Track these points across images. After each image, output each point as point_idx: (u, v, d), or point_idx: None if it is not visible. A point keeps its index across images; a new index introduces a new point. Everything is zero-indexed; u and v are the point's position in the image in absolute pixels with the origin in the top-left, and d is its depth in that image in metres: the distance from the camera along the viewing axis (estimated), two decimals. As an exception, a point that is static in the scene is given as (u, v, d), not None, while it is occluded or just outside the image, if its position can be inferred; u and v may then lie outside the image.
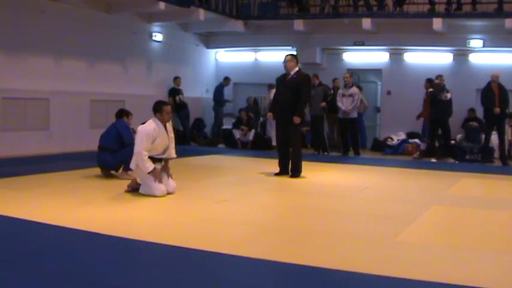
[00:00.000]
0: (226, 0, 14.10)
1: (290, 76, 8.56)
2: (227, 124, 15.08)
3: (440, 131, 11.78)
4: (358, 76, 14.46)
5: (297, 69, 8.60)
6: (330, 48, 14.91)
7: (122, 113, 8.11)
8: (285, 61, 8.67)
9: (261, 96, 15.38)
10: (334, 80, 13.32)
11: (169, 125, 6.84)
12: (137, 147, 6.49)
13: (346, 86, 12.48)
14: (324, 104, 12.47)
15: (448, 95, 11.58)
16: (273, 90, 13.84)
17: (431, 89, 11.73)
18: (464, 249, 4.62)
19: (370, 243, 4.74)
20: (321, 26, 14.32)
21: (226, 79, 15.09)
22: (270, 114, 8.89)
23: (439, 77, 11.76)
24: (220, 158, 11.82)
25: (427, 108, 11.84)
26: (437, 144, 12.08)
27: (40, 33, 10.72)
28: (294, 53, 12.05)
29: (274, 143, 12.15)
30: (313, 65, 14.04)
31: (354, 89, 12.49)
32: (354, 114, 12.50)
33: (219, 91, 15.05)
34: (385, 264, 4.09)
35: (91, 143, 11.58)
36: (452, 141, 12.11)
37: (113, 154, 7.75)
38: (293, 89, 8.44)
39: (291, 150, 8.65)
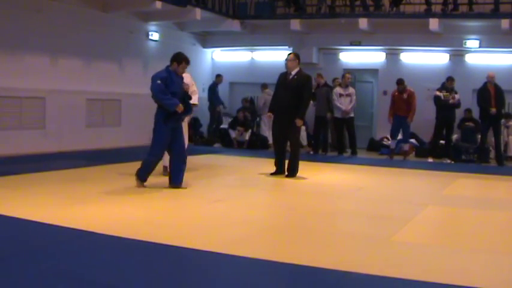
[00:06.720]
0: (222, 0, 14.09)
1: (291, 77, 8.52)
2: (223, 123, 15.04)
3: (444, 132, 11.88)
4: (354, 76, 14.44)
5: (298, 69, 8.56)
6: (326, 48, 14.90)
7: (172, 59, 7.33)
8: (287, 59, 8.64)
9: (257, 95, 15.36)
10: (334, 80, 13.33)
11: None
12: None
13: (346, 85, 12.59)
14: (330, 115, 12.54)
15: (456, 97, 11.64)
16: (267, 90, 13.97)
17: (437, 92, 11.78)
18: (460, 249, 4.63)
19: (366, 243, 4.75)
20: (317, 26, 14.31)
21: (218, 76, 15.02)
22: (269, 114, 8.86)
23: (450, 79, 11.79)
24: (217, 157, 11.80)
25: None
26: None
27: (36, 32, 10.67)
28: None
29: (270, 141, 12.20)
30: (310, 65, 13.99)
31: (352, 89, 12.71)
32: (352, 114, 12.66)
33: (213, 90, 14.99)
34: (381, 264, 4.10)
35: (87, 141, 11.65)
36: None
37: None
38: (293, 90, 8.41)
39: (288, 150, 8.65)
